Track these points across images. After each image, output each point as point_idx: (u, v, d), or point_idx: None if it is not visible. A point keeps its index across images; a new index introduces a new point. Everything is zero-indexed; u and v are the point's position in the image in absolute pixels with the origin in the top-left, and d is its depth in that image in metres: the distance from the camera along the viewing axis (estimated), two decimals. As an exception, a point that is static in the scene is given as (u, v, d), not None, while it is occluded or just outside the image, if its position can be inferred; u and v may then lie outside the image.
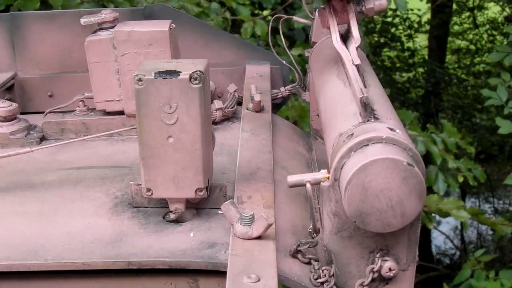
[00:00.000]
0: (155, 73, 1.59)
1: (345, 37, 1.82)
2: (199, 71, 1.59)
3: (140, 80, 1.59)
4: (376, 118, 1.57)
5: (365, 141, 1.46)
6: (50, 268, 1.60)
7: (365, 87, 1.70)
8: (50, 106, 2.61)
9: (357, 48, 1.76)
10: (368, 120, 1.56)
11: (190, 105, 1.59)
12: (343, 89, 1.77)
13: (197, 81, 1.58)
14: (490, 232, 10.72)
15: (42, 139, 2.31)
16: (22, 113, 2.64)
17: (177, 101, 1.59)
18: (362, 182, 1.42)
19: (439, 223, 10.62)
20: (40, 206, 1.85)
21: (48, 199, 1.88)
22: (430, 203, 4.65)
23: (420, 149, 4.65)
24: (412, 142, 1.50)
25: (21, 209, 1.84)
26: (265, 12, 5.80)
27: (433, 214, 4.92)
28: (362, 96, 1.58)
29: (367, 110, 1.57)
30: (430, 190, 5.01)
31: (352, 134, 1.51)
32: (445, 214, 4.72)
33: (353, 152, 1.46)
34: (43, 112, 2.54)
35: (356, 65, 1.71)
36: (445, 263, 11.35)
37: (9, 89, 2.73)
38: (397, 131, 1.49)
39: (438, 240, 11.64)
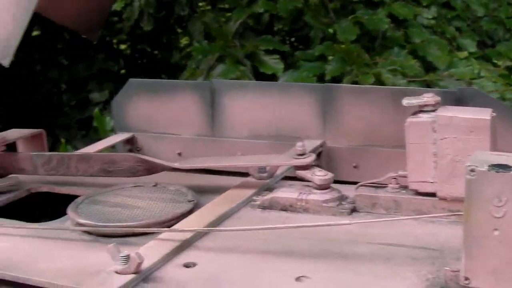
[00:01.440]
0: (488, 166, 1.61)
1: None
2: (532, 168, 1.59)
3: (472, 170, 1.62)
4: None
5: None
6: None
7: None
8: (354, 177, 2.72)
9: None
10: None
11: None
12: None
13: (529, 178, 1.58)
14: None
15: (353, 210, 2.41)
16: None
17: (507, 195, 1.60)
18: None
19: None
20: (352, 277, 1.93)
21: (361, 272, 1.96)
22: None
23: None
24: None
25: (334, 277, 1.94)
26: None
27: None
28: None
29: None
30: None
31: None
32: None
33: None
34: (346, 182, 2.66)
35: None
36: None
37: (317, 156, 2.90)
38: None
39: None
